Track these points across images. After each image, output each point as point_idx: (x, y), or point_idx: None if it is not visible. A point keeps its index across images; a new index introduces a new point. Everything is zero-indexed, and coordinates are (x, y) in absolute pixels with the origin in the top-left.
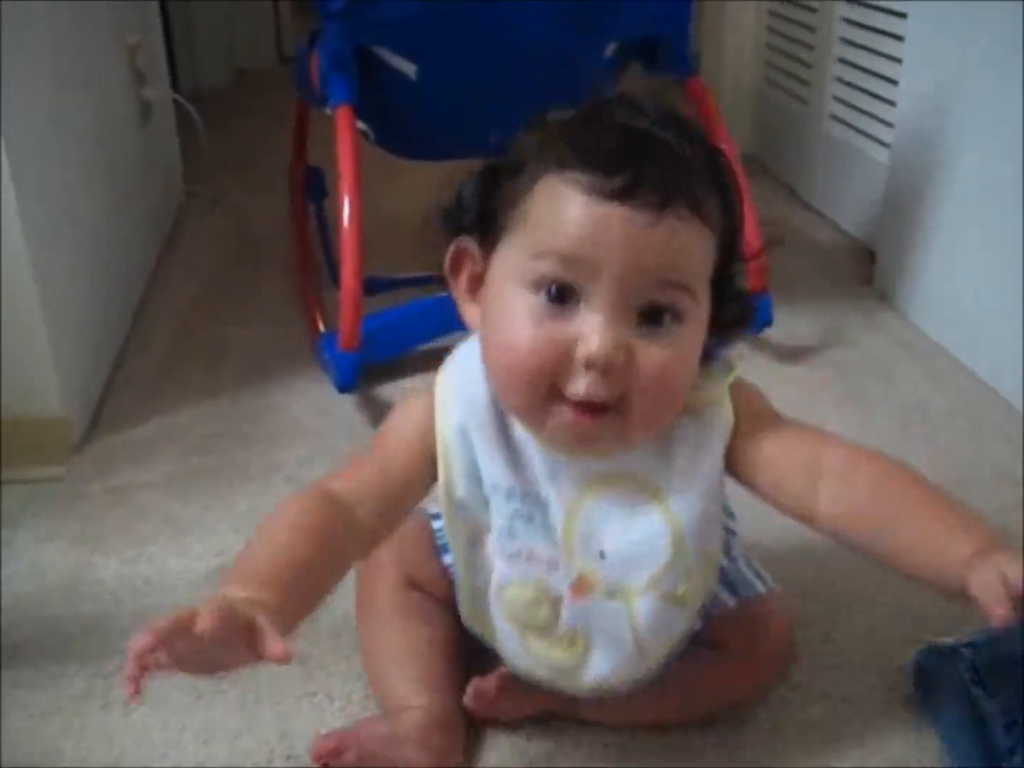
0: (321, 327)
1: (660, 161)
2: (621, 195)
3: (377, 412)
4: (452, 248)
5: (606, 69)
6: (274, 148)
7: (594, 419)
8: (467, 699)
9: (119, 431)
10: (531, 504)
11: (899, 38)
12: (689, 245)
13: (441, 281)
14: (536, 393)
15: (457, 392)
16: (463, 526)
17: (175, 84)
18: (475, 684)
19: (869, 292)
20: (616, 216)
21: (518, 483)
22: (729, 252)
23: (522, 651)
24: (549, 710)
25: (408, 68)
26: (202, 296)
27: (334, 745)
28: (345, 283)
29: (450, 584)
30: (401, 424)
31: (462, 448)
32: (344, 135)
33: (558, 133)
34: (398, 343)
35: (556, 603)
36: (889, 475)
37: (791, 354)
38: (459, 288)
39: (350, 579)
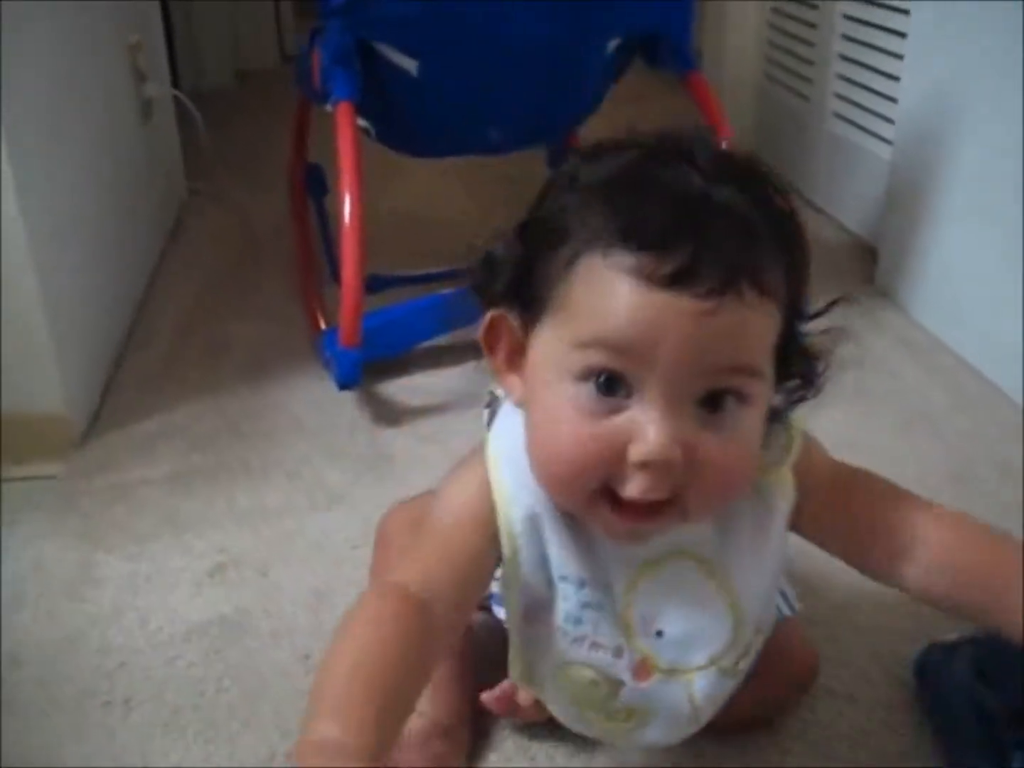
0: (322, 324)
1: (719, 234)
2: (675, 281)
3: (378, 409)
4: (487, 320)
5: (608, 66)
6: (276, 146)
7: (649, 519)
8: (487, 698)
9: (120, 428)
10: (601, 593)
11: (901, 35)
12: (753, 327)
13: (434, 277)
14: (584, 493)
15: (519, 475)
16: (522, 603)
17: (176, 83)
18: (502, 688)
19: (871, 290)
20: (670, 306)
21: (585, 571)
22: (793, 314)
23: (576, 719)
24: None
25: (409, 65)
26: (204, 293)
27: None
28: (346, 280)
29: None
30: (457, 508)
31: (531, 537)
32: (345, 131)
33: (600, 197)
34: (399, 341)
35: (617, 686)
36: (975, 542)
37: None
38: (497, 360)
39: (353, 572)
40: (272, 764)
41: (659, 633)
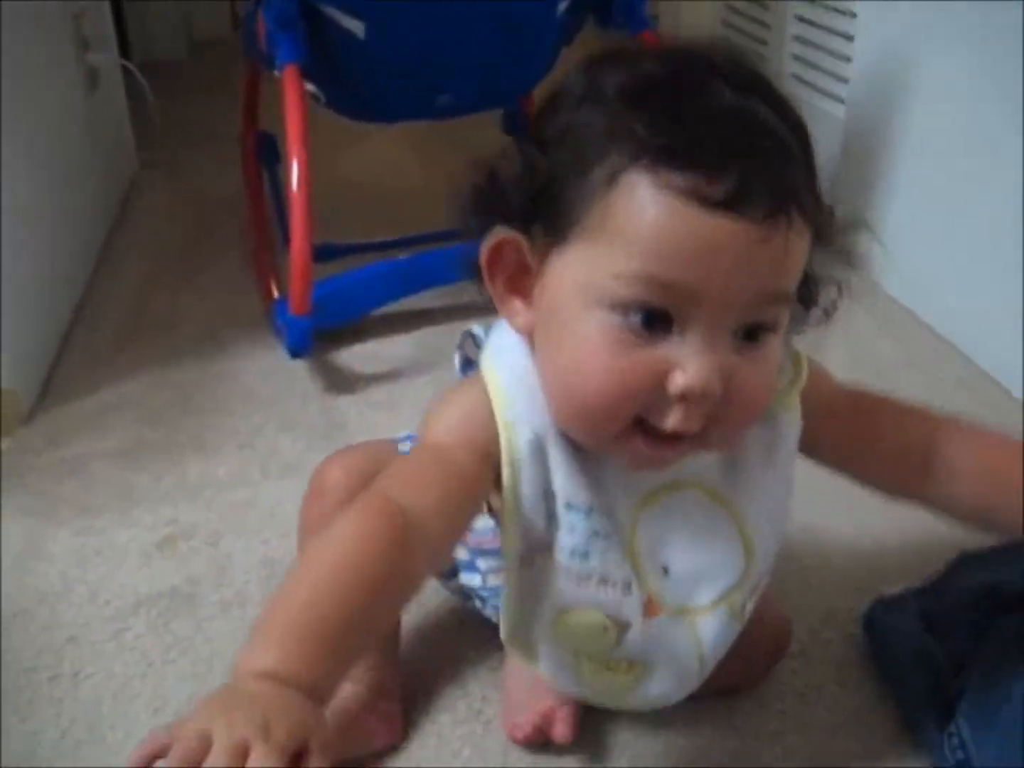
0: (275, 293)
1: (767, 154)
2: (729, 204)
3: (331, 377)
4: (493, 240)
5: (559, 27)
6: (231, 117)
7: (675, 446)
8: (518, 727)
9: (69, 402)
10: (603, 518)
11: None
12: (795, 252)
13: (388, 244)
14: (616, 425)
15: (524, 399)
16: (521, 541)
17: (127, 54)
18: (537, 714)
19: (827, 250)
20: (724, 233)
21: (594, 499)
22: (817, 234)
23: (572, 676)
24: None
25: (356, 27)
26: (156, 266)
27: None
28: (294, 248)
29: None
30: (455, 424)
31: (535, 463)
32: (292, 96)
33: (634, 112)
34: (351, 308)
35: (623, 629)
36: (994, 451)
37: None
38: (497, 284)
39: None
40: None
41: (664, 570)
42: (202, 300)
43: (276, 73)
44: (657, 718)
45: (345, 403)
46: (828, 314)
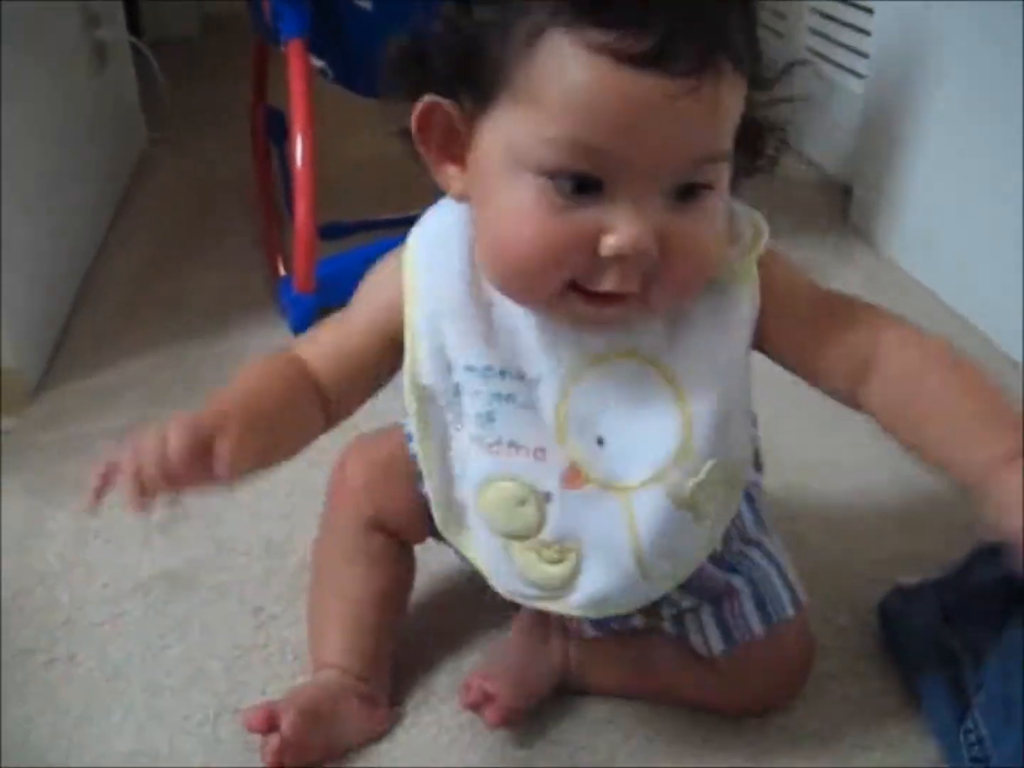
0: (282, 271)
1: (695, 4)
2: (656, 60)
3: None
4: (420, 106)
5: None
6: (242, 95)
7: (616, 306)
8: (464, 701)
9: (74, 381)
10: (514, 382)
11: None
12: (727, 105)
13: (399, 221)
14: (551, 287)
15: (429, 269)
16: (432, 422)
17: (139, 31)
18: (469, 700)
19: (845, 228)
20: (652, 89)
21: (497, 361)
22: (753, 81)
23: (506, 566)
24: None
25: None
26: (163, 243)
27: (265, 716)
28: (298, 224)
29: (424, 518)
30: (368, 293)
31: (431, 333)
32: (297, 70)
33: None
34: (355, 287)
35: (543, 501)
36: (933, 366)
37: None
38: (431, 151)
39: (305, 522)
40: (220, 719)
41: (600, 441)
42: (208, 278)
43: (281, 48)
44: (658, 706)
45: None
46: (773, 163)
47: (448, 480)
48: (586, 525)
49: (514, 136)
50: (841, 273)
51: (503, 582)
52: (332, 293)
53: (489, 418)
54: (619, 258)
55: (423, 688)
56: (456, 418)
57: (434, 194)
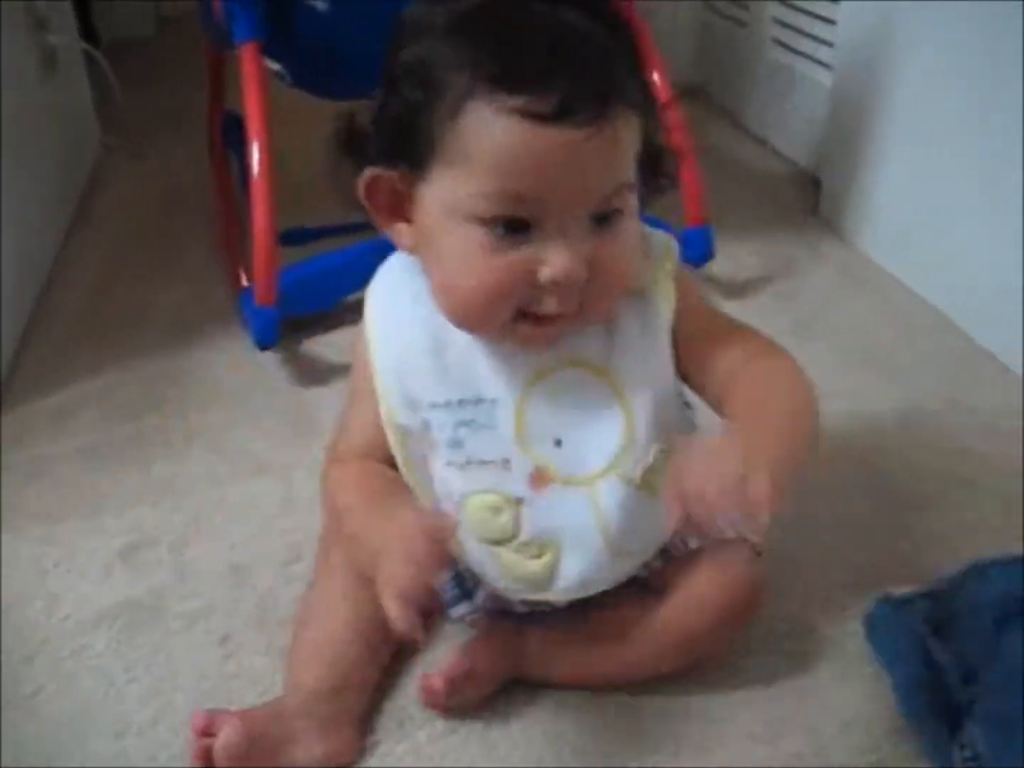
0: (243, 282)
1: (586, 64)
2: (558, 116)
3: (301, 369)
4: (364, 179)
5: None
6: (199, 98)
7: (558, 325)
8: (422, 698)
9: (30, 401)
10: (472, 409)
11: None
12: (624, 142)
13: (365, 225)
14: (501, 317)
15: (385, 320)
16: (412, 454)
17: (93, 34)
18: (424, 684)
19: (814, 220)
20: (557, 141)
21: (455, 393)
22: (645, 114)
23: (494, 569)
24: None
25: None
26: (121, 254)
27: (203, 723)
28: (257, 235)
29: None
30: (355, 370)
31: (396, 379)
32: (251, 75)
33: (466, 40)
34: (321, 296)
35: (516, 506)
36: (774, 394)
37: (735, 286)
38: (380, 214)
39: (271, 546)
40: (186, 760)
41: (558, 443)
42: (169, 290)
43: (235, 51)
44: (645, 719)
45: (317, 395)
46: (672, 181)
47: (435, 502)
48: (558, 519)
49: (449, 193)
50: (813, 267)
51: (494, 581)
52: (295, 303)
53: (456, 443)
54: (556, 284)
55: (398, 714)
56: (431, 448)
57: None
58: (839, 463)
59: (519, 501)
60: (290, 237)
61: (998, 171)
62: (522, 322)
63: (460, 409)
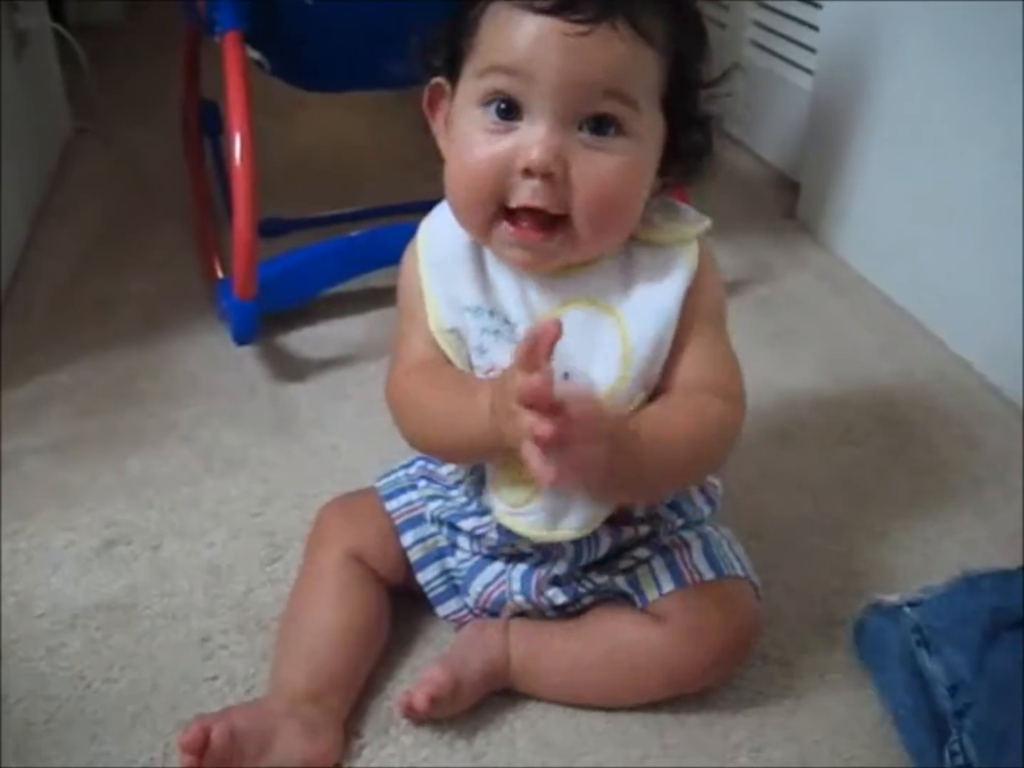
0: (219, 273)
1: None
2: (557, 9)
3: (279, 364)
4: (427, 89)
5: None
6: (171, 82)
7: (541, 233)
8: (399, 710)
9: None
10: (499, 322)
11: None
12: (627, 58)
13: (342, 217)
14: (484, 208)
15: (436, 231)
16: (464, 358)
17: (61, 17)
18: (404, 700)
19: (793, 225)
20: (550, 27)
21: (486, 303)
22: (683, 78)
23: (495, 475)
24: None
25: None
26: (92, 241)
27: (192, 736)
28: (238, 229)
29: (402, 558)
30: (404, 292)
31: (440, 279)
32: (233, 64)
33: None
34: (300, 290)
35: None
36: (684, 417)
37: None
38: (437, 124)
39: (250, 545)
40: (167, 762)
41: (565, 375)
42: (143, 278)
43: (216, 39)
44: (631, 726)
45: (296, 391)
46: (701, 147)
47: None
48: None
49: (465, 83)
50: (790, 271)
51: (497, 507)
52: (275, 298)
53: (481, 349)
54: (528, 173)
55: (384, 719)
56: (472, 351)
57: (382, 185)
58: (820, 469)
59: None
60: (265, 227)
61: (979, 178)
62: (503, 220)
63: (489, 318)
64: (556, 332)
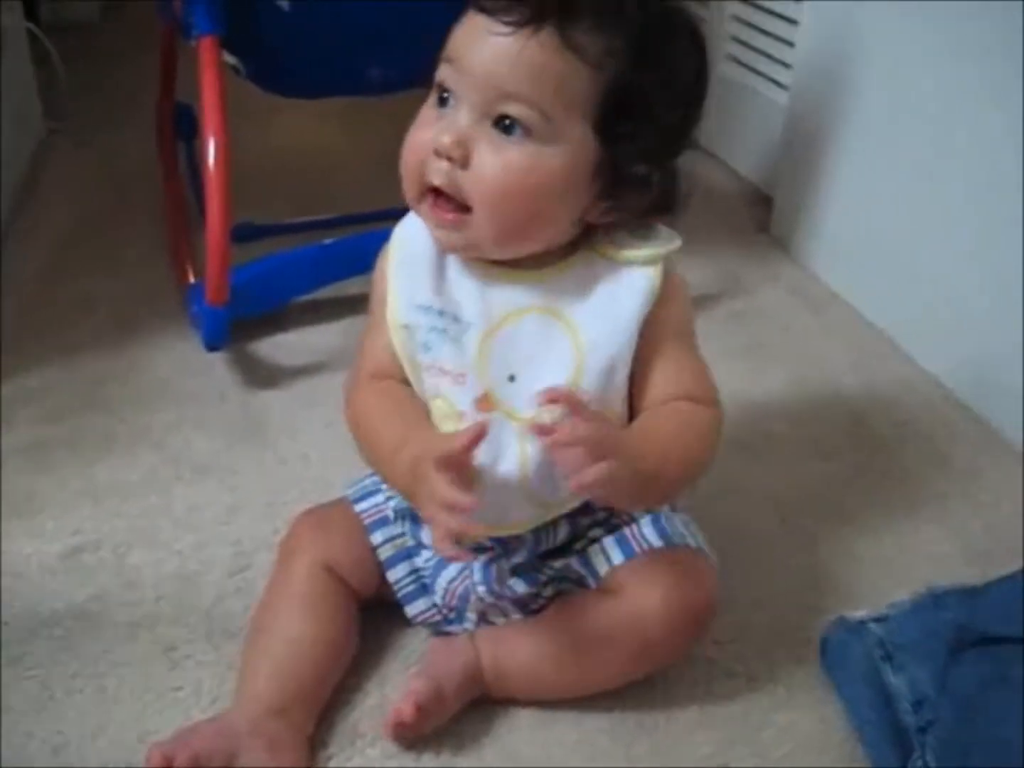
0: (191, 277)
1: None
2: (493, 11)
3: (251, 370)
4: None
5: None
6: (146, 83)
7: (451, 215)
8: (387, 733)
9: None
10: (447, 321)
11: None
12: (546, 66)
13: (323, 226)
14: (412, 187)
15: (408, 232)
16: (408, 353)
17: (35, 17)
18: (390, 719)
19: (766, 239)
20: (484, 25)
21: (437, 302)
22: (624, 102)
23: None
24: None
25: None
26: (63, 244)
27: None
28: (211, 234)
29: (374, 568)
30: (374, 296)
31: (404, 277)
32: (209, 68)
33: None
34: (272, 296)
35: (459, 419)
36: (674, 427)
37: None
38: None
39: (217, 554)
40: None
41: (511, 378)
42: (114, 281)
43: (191, 43)
44: (598, 737)
45: (267, 398)
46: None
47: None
48: (490, 448)
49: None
50: (762, 286)
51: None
52: (247, 303)
53: (426, 346)
54: (437, 154)
55: (351, 731)
56: (418, 347)
57: (357, 192)
58: (787, 483)
59: (461, 415)
60: (238, 232)
61: (951, 195)
62: (427, 199)
63: (438, 317)
64: (483, 434)
